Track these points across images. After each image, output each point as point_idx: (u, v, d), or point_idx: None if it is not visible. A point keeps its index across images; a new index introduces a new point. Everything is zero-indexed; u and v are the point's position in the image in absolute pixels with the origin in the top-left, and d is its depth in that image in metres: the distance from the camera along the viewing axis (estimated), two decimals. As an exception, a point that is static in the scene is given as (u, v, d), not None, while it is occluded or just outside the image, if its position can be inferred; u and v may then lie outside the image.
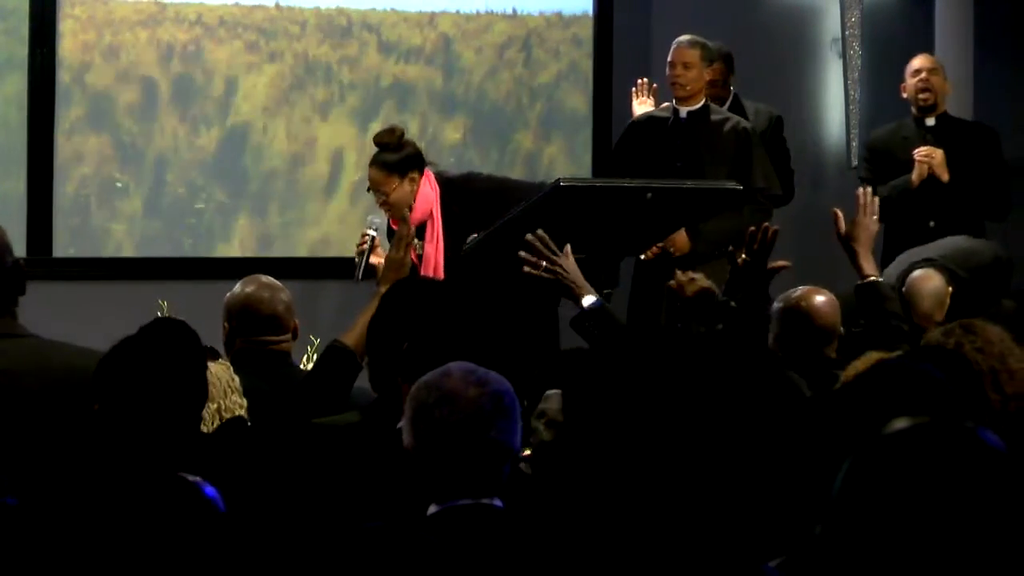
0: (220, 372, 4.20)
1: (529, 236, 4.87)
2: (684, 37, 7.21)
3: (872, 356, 3.78)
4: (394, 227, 6.50)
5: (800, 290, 5.21)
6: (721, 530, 2.41)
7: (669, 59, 7.20)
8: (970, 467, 1.79)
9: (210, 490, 2.91)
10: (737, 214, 7.03)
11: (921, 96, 7.56)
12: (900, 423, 1.90)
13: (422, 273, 6.35)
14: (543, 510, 3.11)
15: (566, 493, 3.09)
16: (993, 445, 1.82)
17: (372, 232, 6.43)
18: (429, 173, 6.44)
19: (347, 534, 2.20)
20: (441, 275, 6.34)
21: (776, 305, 5.14)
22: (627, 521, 2.39)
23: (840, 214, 5.05)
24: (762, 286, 4.54)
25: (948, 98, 7.73)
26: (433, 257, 6.38)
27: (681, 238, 6.98)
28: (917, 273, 6.10)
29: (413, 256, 6.31)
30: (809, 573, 2.33)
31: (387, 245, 6.66)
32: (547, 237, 4.86)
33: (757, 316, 4.52)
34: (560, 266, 4.85)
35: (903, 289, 5.94)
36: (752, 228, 4.39)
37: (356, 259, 6.44)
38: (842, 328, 5.11)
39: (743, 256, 4.53)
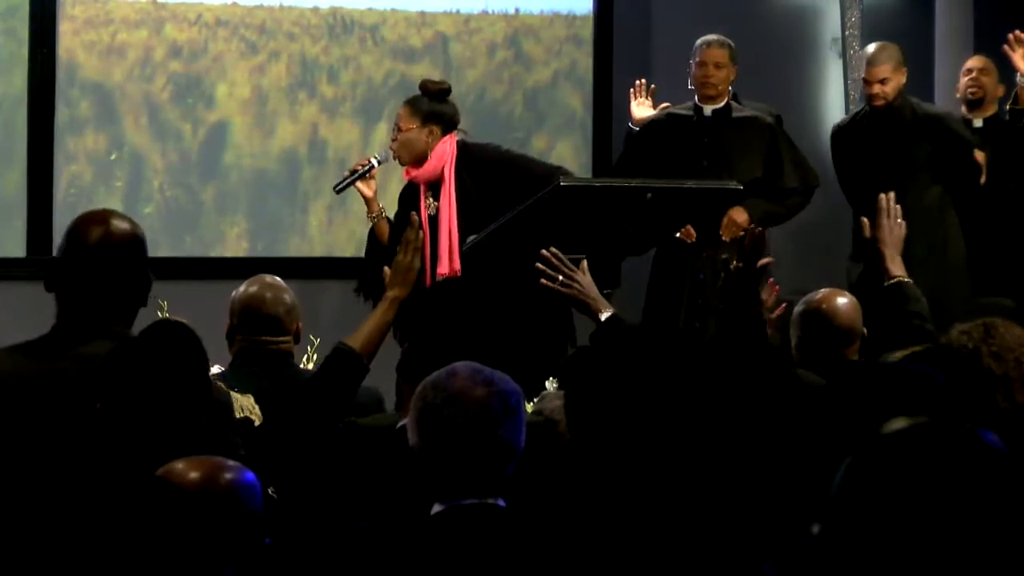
0: (237, 396, 4.21)
1: (544, 252, 4.87)
2: (712, 37, 7.25)
3: (896, 356, 3.77)
4: (404, 177, 6.58)
5: (821, 292, 5.19)
6: (722, 529, 2.41)
7: (697, 59, 7.22)
8: (969, 467, 1.79)
9: (250, 475, 2.92)
10: (778, 200, 7.18)
11: (971, 91, 7.68)
12: (898, 423, 1.90)
13: (436, 233, 6.40)
14: (544, 510, 3.11)
15: (568, 492, 3.09)
16: (993, 445, 1.81)
17: (374, 160, 6.65)
18: (453, 137, 6.49)
19: (347, 533, 2.21)
20: (454, 236, 6.37)
21: (797, 308, 5.13)
22: (629, 521, 2.39)
23: (867, 221, 5.07)
24: (754, 288, 4.55)
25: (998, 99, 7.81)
26: (446, 217, 6.41)
27: (740, 213, 7.02)
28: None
29: (424, 216, 6.38)
30: (807, 573, 2.33)
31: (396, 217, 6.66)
32: (560, 254, 4.87)
33: (751, 318, 4.53)
34: (576, 282, 4.86)
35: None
36: (741, 233, 4.40)
37: (346, 173, 6.70)
38: (865, 330, 5.09)
39: (736, 263, 4.53)
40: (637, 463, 2.43)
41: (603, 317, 4.77)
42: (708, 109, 7.25)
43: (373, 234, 6.72)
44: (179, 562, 2.24)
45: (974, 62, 7.85)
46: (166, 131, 8.09)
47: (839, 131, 7.64)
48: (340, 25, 8.32)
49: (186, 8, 8.10)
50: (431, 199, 6.47)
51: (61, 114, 7.93)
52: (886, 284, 4.96)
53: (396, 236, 6.49)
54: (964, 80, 7.79)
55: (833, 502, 1.82)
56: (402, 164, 6.53)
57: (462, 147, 6.50)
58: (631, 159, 7.31)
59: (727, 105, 7.27)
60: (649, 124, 7.34)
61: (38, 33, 7.86)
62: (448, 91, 6.57)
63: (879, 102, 7.35)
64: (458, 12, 8.47)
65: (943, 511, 1.76)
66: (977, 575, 1.75)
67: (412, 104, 6.52)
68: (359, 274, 6.76)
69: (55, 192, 7.91)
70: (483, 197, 6.27)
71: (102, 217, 3.59)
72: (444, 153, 6.45)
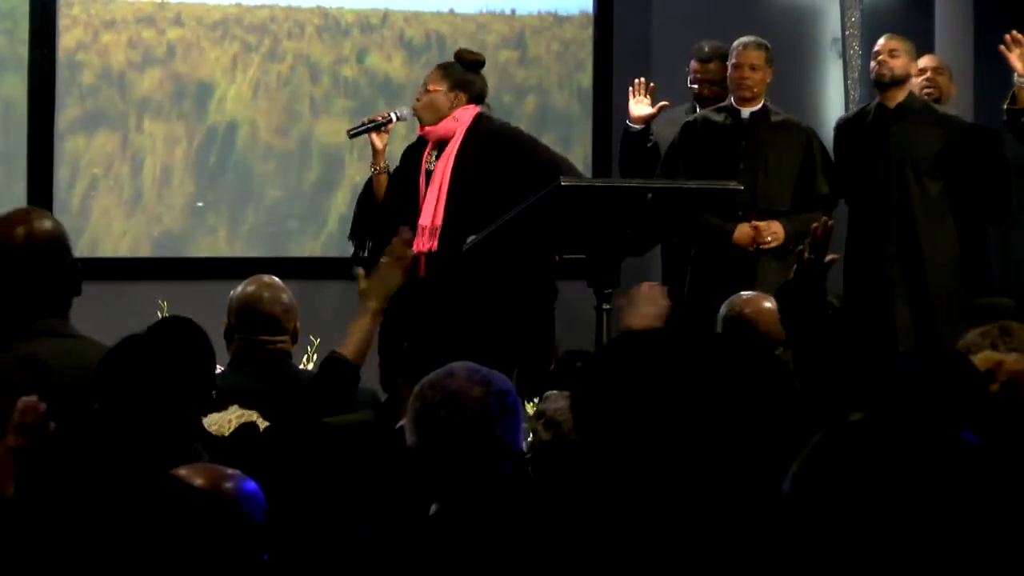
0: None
1: None
2: (748, 39, 7.23)
3: None
4: (418, 131, 6.63)
5: (745, 295, 5.19)
6: (724, 532, 2.40)
7: (733, 60, 7.18)
8: (925, 458, 1.76)
9: (251, 484, 2.92)
10: (815, 212, 7.16)
11: (926, 91, 7.58)
12: (856, 416, 1.87)
13: (427, 189, 6.44)
14: (544, 510, 3.11)
15: (569, 493, 3.09)
16: (962, 437, 1.78)
17: (394, 115, 6.76)
18: (476, 108, 6.55)
19: (346, 534, 2.20)
20: (443, 191, 6.40)
21: (722, 310, 5.13)
22: (629, 523, 2.39)
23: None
24: (822, 281, 4.60)
25: (954, 100, 7.75)
26: (440, 171, 6.44)
27: (778, 227, 6.99)
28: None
29: (423, 168, 6.47)
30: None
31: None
32: None
33: (819, 309, 4.57)
34: None
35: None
36: (814, 224, 4.40)
37: (364, 120, 6.81)
38: None
39: (809, 254, 4.57)
40: (646, 465, 2.42)
41: None
42: (745, 112, 7.21)
43: (369, 187, 6.80)
44: (187, 562, 2.24)
45: (927, 61, 7.77)
46: (166, 131, 8.09)
47: (844, 124, 7.55)
48: (340, 25, 8.33)
49: (186, 8, 8.10)
50: (434, 155, 6.50)
51: (61, 114, 7.94)
52: None
53: (393, 192, 6.62)
54: (918, 80, 7.66)
55: (785, 503, 1.80)
56: (422, 123, 6.57)
57: (479, 119, 6.53)
58: (674, 162, 7.19)
59: (764, 107, 7.23)
60: (685, 126, 7.29)
61: (38, 33, 7.86)
62: (482, 63, 6.65)
63: (884, 71, 7.25)
64: (457, 12, 8.48)
65: (896, 503, 1.73)
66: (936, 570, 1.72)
67: (444, 68, 6.62)
68: (352, 226, 6.88)
69: (55, 192, 7.91)
70: (480, 167, 6.34)
71: (24, 217, 3.68)
72: (462, 118, 6.48)
